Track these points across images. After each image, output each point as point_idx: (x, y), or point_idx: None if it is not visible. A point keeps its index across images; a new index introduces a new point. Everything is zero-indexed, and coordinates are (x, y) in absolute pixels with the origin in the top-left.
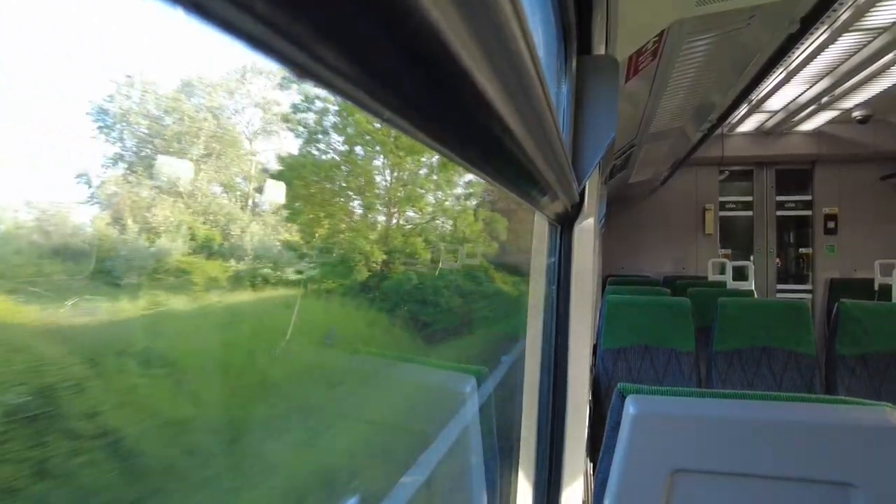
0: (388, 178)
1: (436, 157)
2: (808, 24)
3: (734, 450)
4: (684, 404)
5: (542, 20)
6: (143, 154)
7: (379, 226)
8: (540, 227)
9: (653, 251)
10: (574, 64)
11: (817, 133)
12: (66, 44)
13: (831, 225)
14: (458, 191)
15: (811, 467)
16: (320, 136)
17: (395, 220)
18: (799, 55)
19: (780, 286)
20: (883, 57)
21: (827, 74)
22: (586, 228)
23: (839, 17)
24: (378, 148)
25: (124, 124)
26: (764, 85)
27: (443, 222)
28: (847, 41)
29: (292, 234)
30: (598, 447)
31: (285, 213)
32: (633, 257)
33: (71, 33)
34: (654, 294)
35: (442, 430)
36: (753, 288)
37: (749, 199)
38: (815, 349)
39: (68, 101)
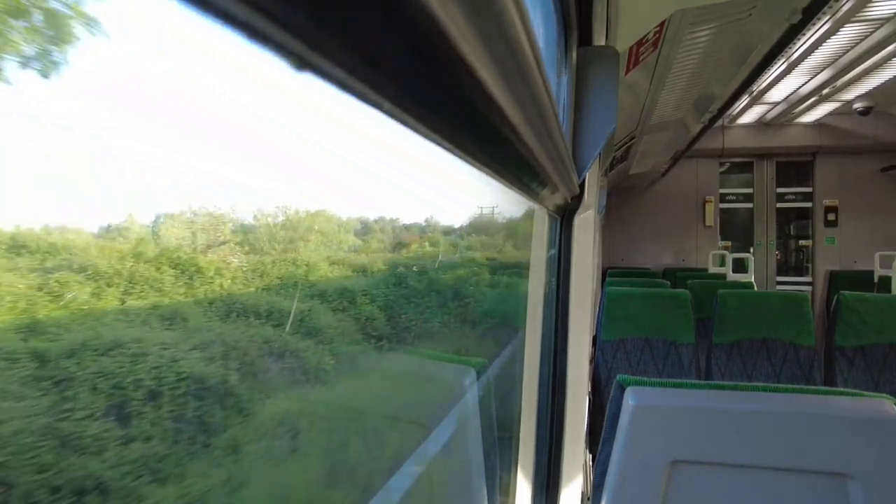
0: None
1: None
2: (809, 15)
3: (733, 441)
4: (683, 396)
5: (542, 11)
6: None
7: None
8: (540, 220)
9: (653, 243)
10: (574, 55)
11: (818, 125)
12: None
13: (831, 217)
14: None
15: (810, 458)
16: None
17: None
18: (800, 46)
19: (779, 278)
20: (884, 48)
21: (828, 66)
22: (586, 220)
23: (841, 7)
24: None
25: None
26: (765, 76)
27: None
28: (848, 32)
29: None
30: (597, 438)
31: None
32: (633, 249)
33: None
34: (653, 286)
35: (442, 421)
36: (753, 280)
37: (749, 190)
38: (814, 341)
39: None
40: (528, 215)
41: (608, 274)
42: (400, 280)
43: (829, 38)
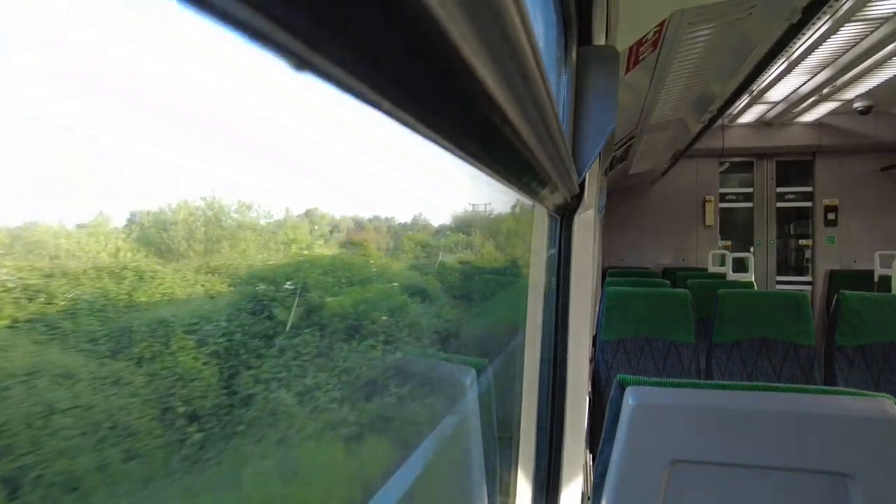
0: None
1: None
2: (809, 14)
3: (733, 441)
4: (683, 395)
5: (542, 10)
6: None
7: None
8: (539, 219)
9: (653, 243)
10: (574, 54)
11: (818, 124)
12: None
13: (831, 216)
14: None
15: (810, 458)
16: None
17: None
18: (800, 45)
19: (780, 277)
20: (884, 47)
21: (828, 65)
22: (586, 220)
23: (840, 6)
24: None
25: None
26: (765, 75)
27: None
28: (848, 31)
29: None
30: (597, 438)
31: None
32: (633, 249)
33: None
34: (653, 285)
35: (442, 421)
36: (753, 279)
37: (749, 190)
38: (814, 340)
39: None
40: (519, 211)
41: (608, 273)
42: (264, 306)
43: (828, 38)
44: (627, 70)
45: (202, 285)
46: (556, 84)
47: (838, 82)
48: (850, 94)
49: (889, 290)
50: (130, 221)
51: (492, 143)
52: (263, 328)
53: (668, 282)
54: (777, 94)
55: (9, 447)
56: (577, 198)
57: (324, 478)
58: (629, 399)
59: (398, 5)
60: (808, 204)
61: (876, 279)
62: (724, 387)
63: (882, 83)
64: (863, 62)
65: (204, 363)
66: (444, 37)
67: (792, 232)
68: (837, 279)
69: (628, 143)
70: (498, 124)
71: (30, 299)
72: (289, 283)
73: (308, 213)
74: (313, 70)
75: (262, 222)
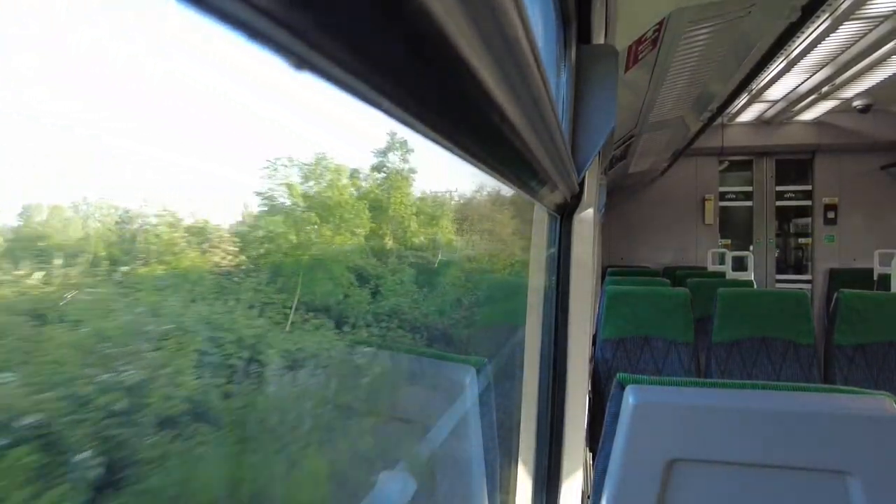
0: None
1: None
2: (808, 13)
3: (733, 439)
4: (683, 394)
5: (541, 9)
6: None
7: None
8: (539, 218)
9: (652, 242)
10: (573, 53)
11: (817, 123)
12: None
13: (831, 215)
14: None
15: (809, 456)
16: None
17: None
18: (799, 44)
19: (779, 276)
20: (884, 46)
21: (827, 63)
22: (586, 219)
23: (840, 5)
24: None
25: None
26: (764, 74)
27: None
28: (848, 30)
29: None
30: (597, 437)
31: None
32: (633, 248)
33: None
34: (653, 284)
35: (441, 420)
36: (753, 278)
37: (749, 189)
38: (814, 339)
39: None
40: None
41: (608, 272)
42: None
43: (828, 36)
44: (627, 69)
45: None
46: (556, 83)
47: (838, 81)
48: (849, 92)
49: (888, 288)
50: None
51: (491, 142)
52: None
53: (667, 281)
54: (776, 92)
55: None
56: (577, 197)
57: None
58: (629, 398)
59: (398, 5)
60: (808, 202)
61: (875, 277)
62: (723, 385)
63: (881, 81)
64: (862, 60)
65: None
66: (444, 36)
67: (791, 230)
68: (837, 278)
69: (628, 142)
70: (497, 123)
71: None
72: None
73: None
74: (313, 70)
75: None
